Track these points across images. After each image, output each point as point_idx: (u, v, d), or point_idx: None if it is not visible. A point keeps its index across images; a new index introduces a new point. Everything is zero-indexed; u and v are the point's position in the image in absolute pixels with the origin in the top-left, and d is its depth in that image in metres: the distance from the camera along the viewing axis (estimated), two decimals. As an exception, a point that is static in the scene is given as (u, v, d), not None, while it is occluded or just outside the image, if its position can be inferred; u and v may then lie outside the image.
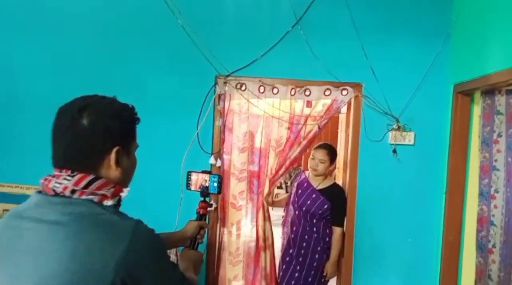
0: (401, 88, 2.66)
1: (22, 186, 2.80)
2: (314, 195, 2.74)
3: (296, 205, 2.81)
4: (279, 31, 2.62)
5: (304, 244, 2.75)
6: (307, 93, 2.66)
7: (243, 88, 2.65)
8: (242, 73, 2.63)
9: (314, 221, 2.74)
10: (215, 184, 1.56)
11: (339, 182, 2.94)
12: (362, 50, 2.63)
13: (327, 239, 2.74)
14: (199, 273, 1.39)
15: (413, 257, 2.72)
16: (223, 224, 2.82)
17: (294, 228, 2.80)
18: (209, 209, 1.61)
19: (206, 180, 1.57)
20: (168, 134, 2.68)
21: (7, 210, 2.78)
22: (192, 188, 1.61)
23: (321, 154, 2.76)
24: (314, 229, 2.74)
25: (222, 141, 2.71)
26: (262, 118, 2.82)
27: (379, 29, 2.66)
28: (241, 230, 2.85)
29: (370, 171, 2.69)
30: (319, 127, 2.75)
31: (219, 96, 2.65)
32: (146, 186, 2.41)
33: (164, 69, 2.68)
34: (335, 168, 2.97)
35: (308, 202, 2.74)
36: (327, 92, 2.66)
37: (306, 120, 2.75)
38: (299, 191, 2.82)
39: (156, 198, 2.62)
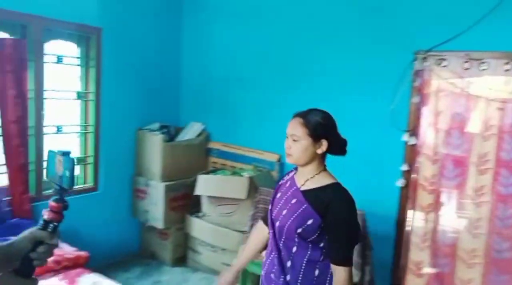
0: None
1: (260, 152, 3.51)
2: (294, 200, 1.53)
3: (270, 220, 1.62)
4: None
5: None
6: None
7: (444, 63, 2.51)
8: (444, 47, 2.50)
9: (290, 247, 1.52)
10: (67, 174, 1.00)
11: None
12: None
13: (311, 282, 1.50)
14: None
15: None
16: (413, 206, 2.76)
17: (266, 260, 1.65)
18: (62, 209, 1.01)
19: (61, 165, 1.02)
20: (361, 110, 2.83)
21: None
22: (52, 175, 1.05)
23: (293, 126, 1.54)
24: (289, 264, 1.52)
25: (417, 118, 2.66)
26: (466, 96, 2.59)
27: None
28: (432, 214, 2.71)
29: None
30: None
31: (417, 72, 2.61)
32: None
33: (361, 44, 2.84)
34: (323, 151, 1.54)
35: (284, 212, 1.54)
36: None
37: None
38: (277, 195, 1.64)
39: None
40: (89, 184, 3.33)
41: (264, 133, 3.44)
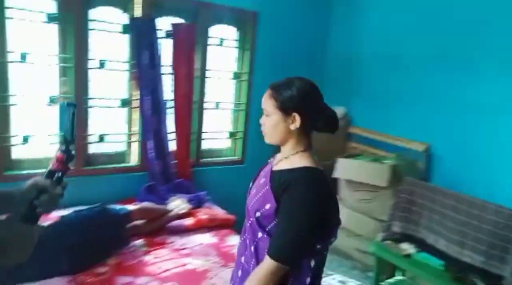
0: None
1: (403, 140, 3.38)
2: (262, 180, 1.33)
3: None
4: None
5: (238, 283, 1.39)
6: None
7: None
8: None
9: (255, 232, 1.31)
10: (69, 125, 1.01)
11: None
12: None
13: None
14: (17, 260, 0.88)
15: None
16: None
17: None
18: (68, 164, 1.03)
19: (65, 117, 1.02)
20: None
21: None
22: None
23: (264, 99, 1.33)
24: (252, 249, 1.31)
25: None
26: None
27: None
28: None
29: None
30: None
31: None
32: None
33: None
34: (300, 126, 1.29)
35: (253, 191, 1.36)
36: None
37: None
38: (260, 173, 1.43)
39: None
40: (238, 156, 3.66)
41: (412, 121, 3.25)
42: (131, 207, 2.55)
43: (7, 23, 2.47)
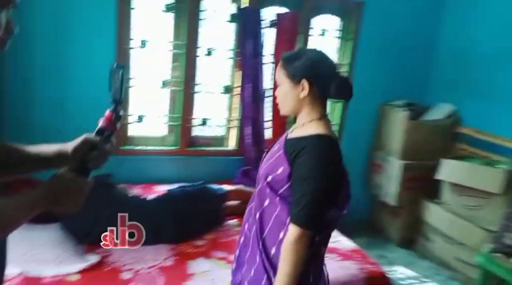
0: None
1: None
2: (276, 147, 1.36)
3: None
4: None
5: (239, 249, 1.44)
6: None
7: None
8: None
9: (263, 199, 1.32)
10: (117, 85, 1.04)
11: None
12: None
13: (274, 243, 1.29)
14: (71, 209, 0.93)
15: None
16: None
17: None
18: (117, 124, 1.06)
19: (114, 78, 1.04)
20: None
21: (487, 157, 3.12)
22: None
23: (277, 70, 1.35)
24: (258, 216, 1.33)
25: None
26: None
27: None
28: None
29: None
30: None
31: None
32: None
33: None
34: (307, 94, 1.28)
35: (266, 158, 1.38)
36: None
37: None
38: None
39: None
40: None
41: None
42: (228, 187, 2.67)
43: (132, 13, 2.74)
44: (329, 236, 1.35)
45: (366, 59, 3.40)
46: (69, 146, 1.01)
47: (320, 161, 1.21)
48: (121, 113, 1.07)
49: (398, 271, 3.06)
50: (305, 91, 1.27)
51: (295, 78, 1.27)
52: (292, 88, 1.28)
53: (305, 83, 1.26)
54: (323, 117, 1.30)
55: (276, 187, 1.27)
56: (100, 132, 1.03)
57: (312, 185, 1.19)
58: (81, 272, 1.83)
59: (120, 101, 1.05)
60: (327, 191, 1.21)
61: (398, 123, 3.37)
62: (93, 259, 1.92)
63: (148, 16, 2.81)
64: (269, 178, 1.28)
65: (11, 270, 1.73)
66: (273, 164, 1.29)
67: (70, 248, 1.94)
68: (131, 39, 2.78)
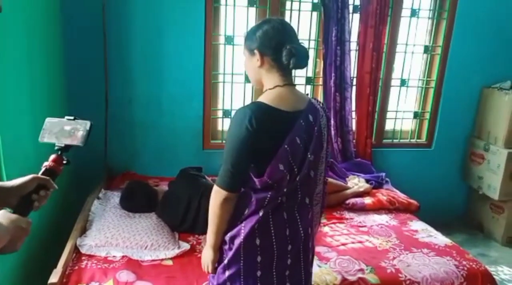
0: None
1: None
2: None
3: None
4: None
5: None
6: None
7: None
8: None
9: None
10: (85, 134, 1.11)
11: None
12: None
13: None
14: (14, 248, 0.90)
15: None
16: None
17: None
18: (62, 167, 1.08)
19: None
20: None
21: None
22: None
23: None
24: None
25: None
26: None
27: None
28: None
29: None
30: None
31: None
32: None
33: None
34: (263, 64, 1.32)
35: None
36: None
37: None
38: None
39: None
40: (423, 140, 3.35)
41: None
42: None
43: (220, 9, 2.83)
44: (291, 198, 1.31)
45: (464, 40, 3.10)
46: (11, 183, 0.99)
47: (231, 127, 1.27)
48: (65, 160, 1.10)
49: (503, 272, 2.77)
50: (259, 62, 1.31)
51: (250, 50, 1.33)
52: (250, 60, 1.34)
53: (257, 53, 1.30)
54: (278, 86, 1.31)
55: None
56: (48, 172, 1.05)
57: (225, 155, 1.27)
58: (175, 257, 1.96)
59: (70, 148, 1.10)
60: (235, 154, 1.24)
61: (503, 107, 3.04)
62: (185, 246, 2.04)
63: (233, 12, 2.86)
64: None
65: (116, 253, 1.92)
66: None
67: (165, 235, 2.09)
68: (219, 35, 2.88)
